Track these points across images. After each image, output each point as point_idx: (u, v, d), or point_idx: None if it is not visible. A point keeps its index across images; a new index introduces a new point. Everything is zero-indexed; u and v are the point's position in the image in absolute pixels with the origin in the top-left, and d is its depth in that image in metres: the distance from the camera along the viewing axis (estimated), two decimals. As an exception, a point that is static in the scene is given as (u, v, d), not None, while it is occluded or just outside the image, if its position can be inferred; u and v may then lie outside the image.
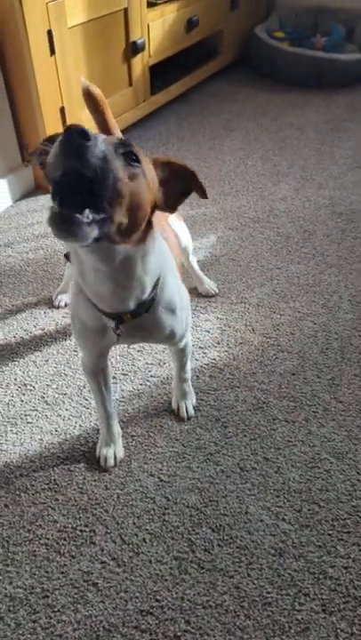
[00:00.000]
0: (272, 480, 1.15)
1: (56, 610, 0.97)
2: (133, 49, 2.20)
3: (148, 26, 2.25)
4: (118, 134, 1.20)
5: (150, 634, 0.93)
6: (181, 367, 1.23)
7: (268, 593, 0.98)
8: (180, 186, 0.80)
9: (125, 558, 1.03)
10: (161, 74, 2.54)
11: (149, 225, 0.78)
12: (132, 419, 1.29)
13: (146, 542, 1.06)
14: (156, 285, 0.87)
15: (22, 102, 1.90)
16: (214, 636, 0.93)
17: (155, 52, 2.36)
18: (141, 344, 1.46)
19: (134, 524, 1.09)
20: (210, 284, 1.63)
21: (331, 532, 1.06)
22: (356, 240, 1.85)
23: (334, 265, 1.74)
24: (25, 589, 1.00)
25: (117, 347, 1.43)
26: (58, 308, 1.59)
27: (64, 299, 1.59)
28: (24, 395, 1.35)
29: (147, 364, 1.42)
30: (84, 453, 1.22)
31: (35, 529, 1.08)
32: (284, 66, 2.88)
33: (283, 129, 2.56)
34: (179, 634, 0.93)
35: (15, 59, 1.79)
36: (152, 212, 0.77)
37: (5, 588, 1.00)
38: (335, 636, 0.93)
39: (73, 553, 1.04)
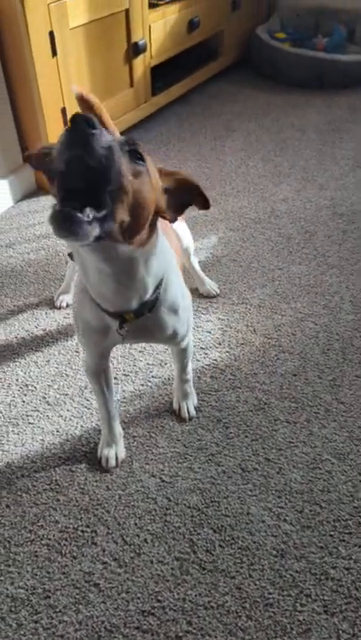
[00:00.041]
0: (274, 481, 1.15)
1: (57, 610, 0.97)
2: (135, 50, 2.20)
3: (150, 27, 2.25)
4: (117, 137, 1.21)
5: (152, 634, 0.93)
6: (183, 368, 1.23)
7: (270, 594, 0.98)
8: (182, 197, 0.79)
9: (127, 559, 1.03)
10: (162, 75, 2.54)
11: (153, 227, 0.78)
12: (134, 419, 1.29)
13: (147, 543, 1.06)
14: (159, 286, 0.87)
15: (24, 103, 1.90)
16: (216, 637, 0.93)
17: (156, 52, 2.36)
18: (143, 345, 1.46)
19: (136, 524, 1.09)
20: (211, 285, 1.63)
21: (332, 533, 1.06)
22: (357, 241, 1.85)
23: (336, 266, 1.74)
24: (26, 590, 1.00)
25: (119, 348, 1.43)
26: (59, 308, 1.59)
27: (65, 299, 1.59)
28: (25, 395, 1.35)
29: (148, 364, 1.42)
30: (85, 454, 1.22)
31: (36, 529, 1.08)
32: (286, 67, 2.88)
33: (284, 130, 2.56)
34: (180, 634, 0.93)
35: (17, 60, 1.80)
36: (155, 215, 0.76)
37: (7, 589, 1.00)
38: (337, 637, 0.93)
39: (74, 553, 1.05)
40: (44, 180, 2.09)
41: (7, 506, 1.12)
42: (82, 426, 1.28)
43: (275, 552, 1.04)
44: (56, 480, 1.17)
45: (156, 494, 1.13)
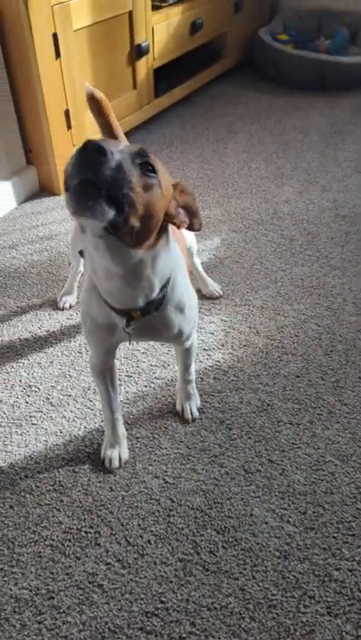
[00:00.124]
0: (277, 482, 1.15)
1: (61, 611, 0.97)
2: (138, 52, 2.21)
3: (153, 29, 2.26)
4: (122, 137, 1.22)
5: (155, 635, 0.93)
6: (186, 369, 1.23)
7: (273, 595, 0.98)
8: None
9: (130, 560, 1.04)
10: (165, 77, 2.54)
11: (163, 230, 0.80)
12: (137, 420, 1.29)
13: (151, 544, 1.06)
14: (166, 285, 0.88)
15: (27, 105, 1.90)
16: (219, 638, 0.93)
17: (159, 54, 2.36)
18: (146, 346, 1.46)
19: (139, 525, 1.09)
20: (214, 286, 1.63)
21: (336, 535, 1.06)
22: (359, 242, 1.85)
23: (338, 267, 1.74)
24: (30, 590, 1.00)
25: (122, 349, 1.43)
26: (62, 309, 1.60)
27: (68, 300, 1.60)
28: (29, 396, 1.35)
29: (151, 365, 1.42)
30: (88, 455, 1.22)
31: (40, 530, 1.08)
32: (288, 68, 2.89)
33: (286, 132, 2.56)
34: (184, 635, 0.93)
35: (21, 62, 1.80)
36: (165, 220, 0.79)
37: (11, 590, 1.00)
38: (340, 638, 0.93)
39: (78, 554, 1.05)
40: (48, 182, 2.10)
41: (11, 506, 1.12)
42: (85, 427, 1.28)
43: (278, 553, 1.04)
44: (59, 481, 1.17)
45: (159, 495, 1.14)
